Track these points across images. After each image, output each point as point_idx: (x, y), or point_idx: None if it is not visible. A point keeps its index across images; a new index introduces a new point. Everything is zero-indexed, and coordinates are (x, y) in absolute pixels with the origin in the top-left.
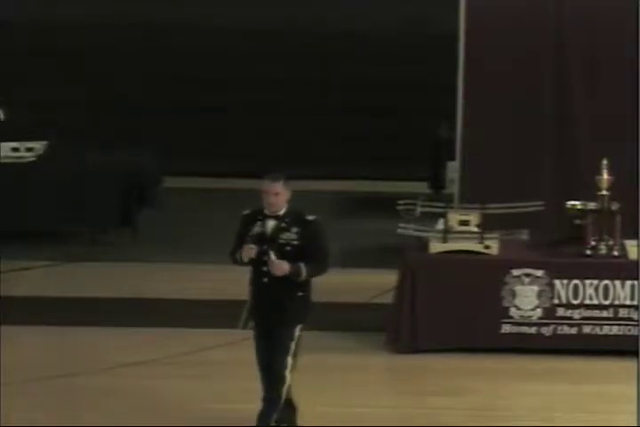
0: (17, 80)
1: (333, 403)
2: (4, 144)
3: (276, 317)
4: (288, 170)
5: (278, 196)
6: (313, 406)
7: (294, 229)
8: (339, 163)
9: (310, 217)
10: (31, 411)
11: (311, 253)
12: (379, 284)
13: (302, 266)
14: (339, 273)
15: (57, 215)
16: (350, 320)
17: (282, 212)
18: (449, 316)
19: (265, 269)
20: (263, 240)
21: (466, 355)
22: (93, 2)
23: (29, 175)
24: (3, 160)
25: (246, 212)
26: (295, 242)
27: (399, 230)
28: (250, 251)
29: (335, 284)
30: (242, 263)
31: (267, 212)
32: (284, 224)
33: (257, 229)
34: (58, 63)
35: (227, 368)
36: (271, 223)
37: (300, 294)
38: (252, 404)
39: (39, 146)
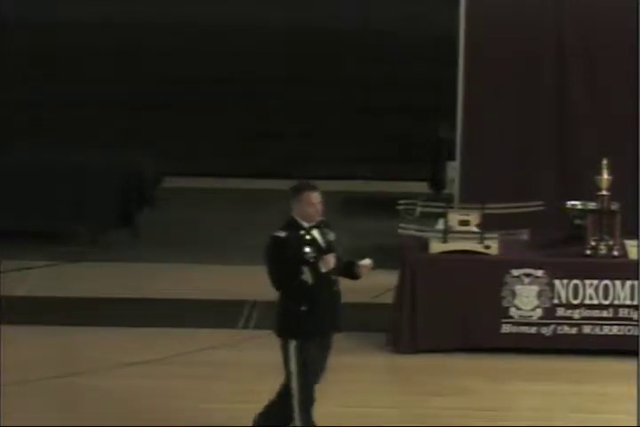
0: (17, 80)
1: (333, 403)
2: None
3: (336, 320)
4: (288, 170)
5: (321, 203)
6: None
7: (330, 231)
8: (339, 163)
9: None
10: (31, 411)
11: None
12: (379, 284)
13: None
14: None
15: (57, 215)
16: (350, 320)
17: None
18: (449, 316)
19: (334, 277)
20: (322, 251)
21: (466, 355)
22: (93, 2)
23: (30, 175)
24: None
25: (283, 234)
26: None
27: (399, 230)
28: (331, 260)
29: None
30: (312, 280)
31: (305, 224)
32: (325, 229)
33: (319, 242)
34: (58, 63)
35: (227, 368)
36: (316, 233)
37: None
38: (254, 404)
39: None
